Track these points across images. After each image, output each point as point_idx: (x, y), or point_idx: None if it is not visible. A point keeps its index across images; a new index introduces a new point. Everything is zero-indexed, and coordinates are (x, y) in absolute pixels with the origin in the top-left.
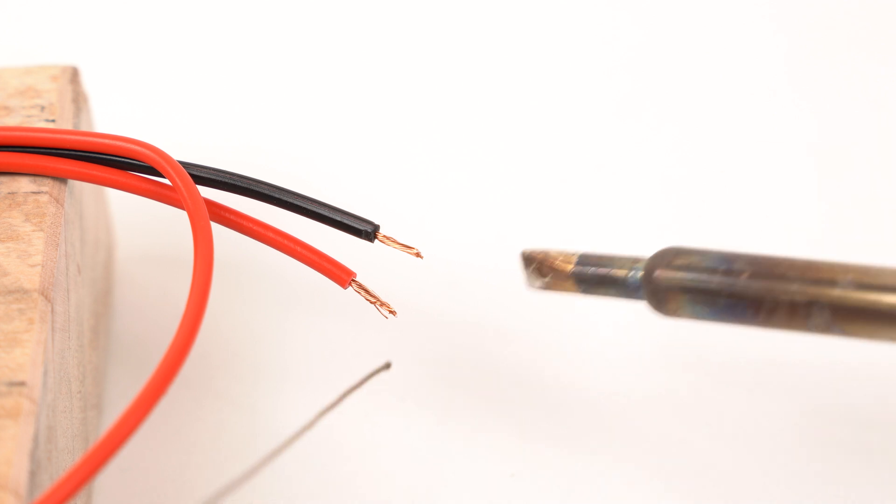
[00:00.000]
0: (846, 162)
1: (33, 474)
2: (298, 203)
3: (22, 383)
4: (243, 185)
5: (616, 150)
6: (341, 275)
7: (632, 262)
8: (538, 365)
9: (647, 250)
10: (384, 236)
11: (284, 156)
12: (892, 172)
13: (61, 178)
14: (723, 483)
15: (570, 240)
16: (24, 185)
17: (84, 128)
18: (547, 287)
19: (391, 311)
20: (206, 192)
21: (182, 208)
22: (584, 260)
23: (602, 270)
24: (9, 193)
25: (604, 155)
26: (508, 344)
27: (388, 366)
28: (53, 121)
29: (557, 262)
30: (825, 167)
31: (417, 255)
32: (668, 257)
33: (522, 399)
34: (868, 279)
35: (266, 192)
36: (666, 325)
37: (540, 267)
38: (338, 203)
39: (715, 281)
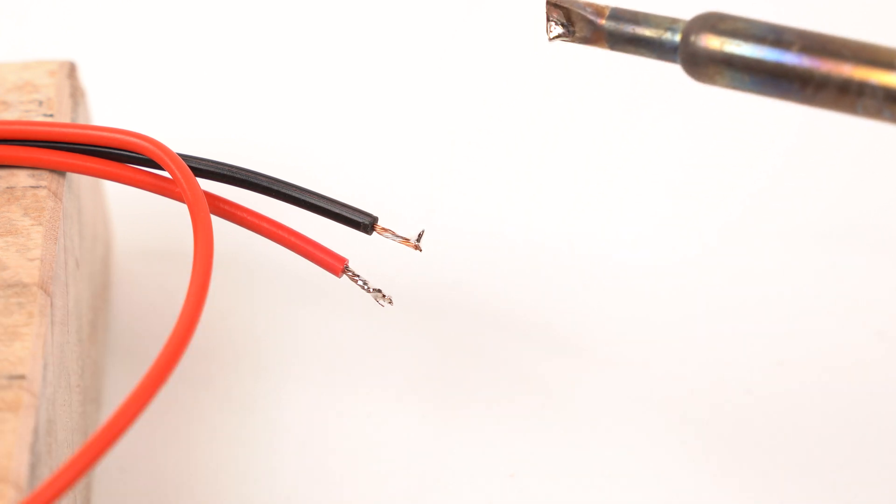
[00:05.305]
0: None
1: (34, 467)
2: (297, 195)
3: (22, 377)
4: (242, 177)
5: (616, 148)
6: (334, 262)
7: (669, 23)
8: (539, 362)
9: (654, 248)
10: (382, 228)
11: (283, 148)
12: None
13: (60, 173)
14: (723, 484)
15: (569, 237)
16: (22, 179)
17: (81, 123)
18: (570, 39)
19: (387, 300)
20: (205, 185)
21: (181, 200)
22: (617, 14)
23: (636, 28)
24: (7, 188)
25: (604, 151)
26: (510, 340)
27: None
28: (51, 115)
29: (588, 14)
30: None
31: (416, 247)
32: (711, 21)
33: (523, 398)
34: None
35: (265, 184)
36: (668, 324)
37: (568, 15)
38: (336, 195)
39: (762, 51)
